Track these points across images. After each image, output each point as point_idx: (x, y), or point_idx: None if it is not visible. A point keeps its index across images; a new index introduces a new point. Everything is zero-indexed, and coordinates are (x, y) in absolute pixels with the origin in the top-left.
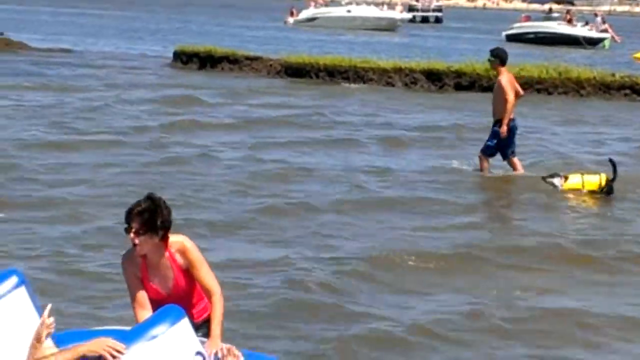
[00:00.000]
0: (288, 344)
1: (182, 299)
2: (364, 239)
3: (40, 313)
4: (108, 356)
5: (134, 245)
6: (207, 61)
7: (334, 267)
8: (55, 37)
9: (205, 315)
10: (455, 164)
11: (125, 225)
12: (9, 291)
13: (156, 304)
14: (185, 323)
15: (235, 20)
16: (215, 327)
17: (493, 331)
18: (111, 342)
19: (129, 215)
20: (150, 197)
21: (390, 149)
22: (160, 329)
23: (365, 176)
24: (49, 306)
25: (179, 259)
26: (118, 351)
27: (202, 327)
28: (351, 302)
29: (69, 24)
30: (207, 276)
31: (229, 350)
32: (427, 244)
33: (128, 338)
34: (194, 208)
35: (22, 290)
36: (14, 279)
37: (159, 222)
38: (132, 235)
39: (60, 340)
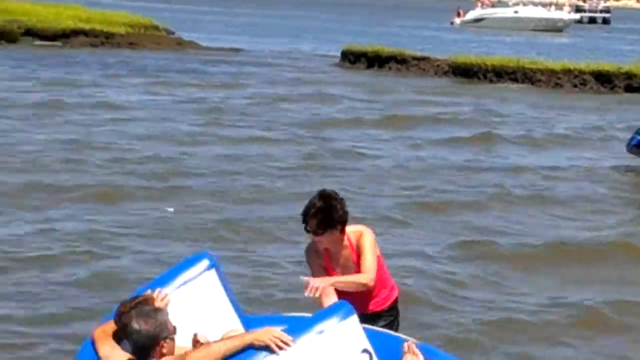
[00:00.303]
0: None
1: None
2: (507, 235)
3: (231, 296)
4: (274, 347)
5: (316, 241)
6: (374, 61)
7: (484, 261)
8: (225, 36)
9: (387, 304)
10: (616, 164)
11: (304, 225)
12: (200, 273)
13: (340, 292)
14: (354, 320)
15: (401, 20)
16: (338, 279)
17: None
18: (278, 332)
19: (305, 218)
20: (322, 196)
21: (548, 148)
22: (329, 324)
23: (514, 174)
24: (197, 333)
25: (357, 247)
26: (285, 342)
27: (384, 316)
28: (499, 292)
29: (239, 24)
30: (369, 262)
31: (409, 347)
32: (573, 239)
33: (296, 330)
34: None
35: (212, 272)
36: (205, 262)
37: (335, 218)
38: (311, 235)
39: (249, 323)
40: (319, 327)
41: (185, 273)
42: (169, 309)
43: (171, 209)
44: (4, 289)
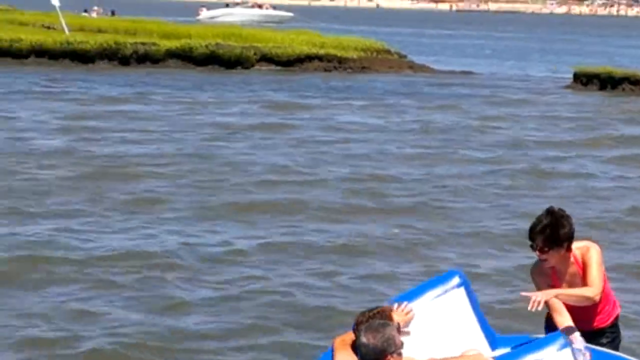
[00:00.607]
0: None
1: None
2: None
3: (479, 315)
4: None
5: (542, 260)
6: (607, 82)
7: None
8: (456, 59)
9: (610, 321)
10: None
11: (530, 243)
12: (449, 290)
13: (570, 309)
14: (567, 352)
15: (631, 40)
16: (561, 291)
17: None
18: (488, 359)
19: (532, 234)
20: (549, 212)
21: None
22: (544, 354)
23: None
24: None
25: (583, 262)
26: None
27: (607, 332)
28: None
29: (470, 46)
30: (595, 276)
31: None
32: None
33: (511, 357)
34: None
35: (462, 290)
36: (455, 280)
37: (560, 235)
38: (537, 252)
39: (497, 343)
40: (534, 356)
41: (435, 289)
42: (414, 323)
43: (396, 231)
44: (222, 305)
